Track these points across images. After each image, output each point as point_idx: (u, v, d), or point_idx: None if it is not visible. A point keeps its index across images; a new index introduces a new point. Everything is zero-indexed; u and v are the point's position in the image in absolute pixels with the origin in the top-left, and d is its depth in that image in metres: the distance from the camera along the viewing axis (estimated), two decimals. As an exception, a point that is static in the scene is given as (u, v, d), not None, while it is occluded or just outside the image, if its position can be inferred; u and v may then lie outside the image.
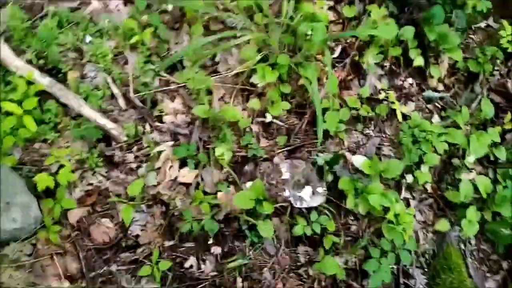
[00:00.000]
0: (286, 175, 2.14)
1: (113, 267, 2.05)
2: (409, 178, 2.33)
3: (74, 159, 2.06)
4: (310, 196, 2.13)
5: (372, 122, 2.44)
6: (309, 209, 2.15)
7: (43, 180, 1.92)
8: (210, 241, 2.14)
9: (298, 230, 2.11)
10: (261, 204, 2.05)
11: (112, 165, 2.16)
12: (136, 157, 2.17)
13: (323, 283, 2.16)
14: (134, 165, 2.16)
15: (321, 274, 2.15)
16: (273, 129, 2.33)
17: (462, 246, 2.30)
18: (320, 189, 2.15)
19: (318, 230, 2.10)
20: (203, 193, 2.11)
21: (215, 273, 2.10)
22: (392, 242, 2.10)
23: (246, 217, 2.06)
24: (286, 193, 2.11)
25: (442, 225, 2.28)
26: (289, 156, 2.29)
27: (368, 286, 2.04)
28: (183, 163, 2.17)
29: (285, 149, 2.29)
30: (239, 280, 2.10)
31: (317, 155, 2.23)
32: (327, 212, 2.16)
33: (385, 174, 2.17)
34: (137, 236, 2.10)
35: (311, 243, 2.21)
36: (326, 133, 2.29)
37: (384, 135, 2.43)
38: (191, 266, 2.10)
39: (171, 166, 2.13)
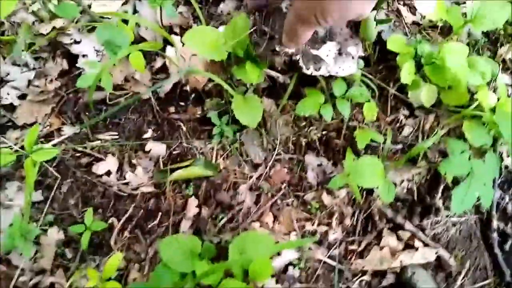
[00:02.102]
0: None
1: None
2: (514, 53, 1.32)
3: None
4: (335, 58, 1.13)
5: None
6: (328, 80, 1.16)
7: None
8: (148, 133, 1.17)
9: (302, 108, 1.12)
10: (241, 63, 1.07)
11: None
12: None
13: (348, 219, 1.16)
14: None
15: (342, 204, 1.16)
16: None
17: None
18: (353, 50, 1.15)
19: (345, 113, 1.12)
20: (135, 37, 1.13)
21: (150, 188, 1.13)
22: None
23: (219, 81, 1.07)
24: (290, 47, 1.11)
25: None
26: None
27: (451, 209, 1.02)
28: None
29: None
30: (192, 202, 1.12)
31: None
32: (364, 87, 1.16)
33: (476, 25, 1.16)
34: (12, 107, 1.13)
35: (328, 149, 1.21)
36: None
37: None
38: (108, 173, 1.13)
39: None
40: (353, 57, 1.15)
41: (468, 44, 1.30)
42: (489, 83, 1.23)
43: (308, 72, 1.10)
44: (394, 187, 1.07)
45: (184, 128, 1.18)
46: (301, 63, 1.10)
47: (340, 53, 1.14)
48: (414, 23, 1.31)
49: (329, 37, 1.16)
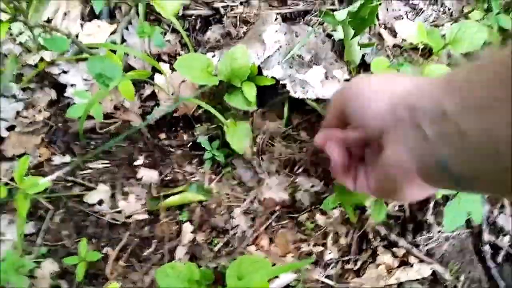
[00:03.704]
0: (272, 43, 1.17)
1: None
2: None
3: None
4: (322, 81, 1.16)
5: (423, -13, 1.49)
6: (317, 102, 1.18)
7: None
8: (139, 160, 1.16)
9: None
10: (233, 90, 1.09)
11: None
12: None
13: (342, 239, 1.17)
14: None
15: (336, 223, 1.17)
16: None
17: None
18: (338, 73, 1.18)
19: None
20: (124, 65, 1.14)
21: (143, 215, 1.12)
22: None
23: (210, 109, 1.08)
24: (277, 72, 1.14)
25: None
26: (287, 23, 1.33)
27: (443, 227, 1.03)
28: (92, 15, 1.20)
29: (278, 10, 1.32)
30: (187, 228, 1.11)
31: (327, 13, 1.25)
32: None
33: (456, 48, 1.21)
34: (0, 139, 1.12)
35: (319, 170, 1.23)
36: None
37: (440, 8, 1.48)
38: (100, 202, 1.12)
39: (66, 14, 1.15)
40: (339, 80, 1.18)
41: (448, 65, 1.35)
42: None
43: (296, 96, 1.12)
44: (386, 205, 1.08)
45: (175, 154, 1.18)
46: (288, 87, 1.13)
47: (326, 77, 1.17)
48: (395, 45, 1.35)
49: (314, 61, 1.19)
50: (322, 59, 1.21)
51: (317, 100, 1.16)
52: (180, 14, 1.20)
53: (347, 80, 1.23)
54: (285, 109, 1.17)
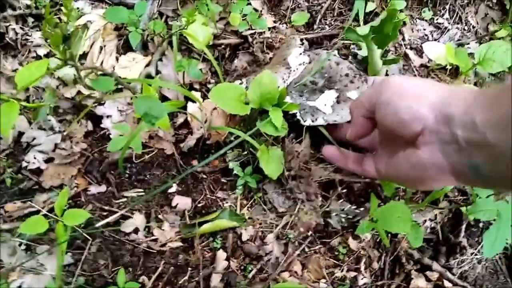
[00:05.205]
0: (296, 66, 1.17)
1: (-14, 225, 1.09)
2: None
3: None
4: (333, 106, 1.14)
5: (447, 7, 1.50)
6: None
7: None
8: (172, 188, 1.18)
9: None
10: (265, 117, 1.10)
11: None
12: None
13: (375, 263, 1.17)
14: (42, 50, 1.22)
15: (368, 248, 1.17)
16: (284, 6, 1.39)
17: None
18: (353, 94, 1.15)
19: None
20: (158, 96, 1.16)
21: (178, 243, 1.13)
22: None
23: (243, 136, 1.09)
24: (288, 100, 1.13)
25: None
26: (311, 49, 1.35)
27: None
28: (127, 47, 1.23)
29: (304, 36, 1.34)
30: (221, 255, 1.13)
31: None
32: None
33: (485, 68, 1.21)
34: (39, 170, 1.15)
35: (350, 193, 1.23)
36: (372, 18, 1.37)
37: (465, 27, 1.48)
38: (136, 231, 1.14)
39: (102, 48, 1.18)
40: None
41: (475, 84, 1.35)
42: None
43: (306, 124, 1.10)
44: (422, 231, 1.09)
45: (208, 180, 1.20)
46: (298, 116, 1.11)
47: (338, 101, 1.14)
48: (422, 65, 1.36)
49: (328, 85, 1.18)
50: (337, 82, 1.20)
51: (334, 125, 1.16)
52: (210, 44, 1.22)
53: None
54: (307, 135, 1.17)
